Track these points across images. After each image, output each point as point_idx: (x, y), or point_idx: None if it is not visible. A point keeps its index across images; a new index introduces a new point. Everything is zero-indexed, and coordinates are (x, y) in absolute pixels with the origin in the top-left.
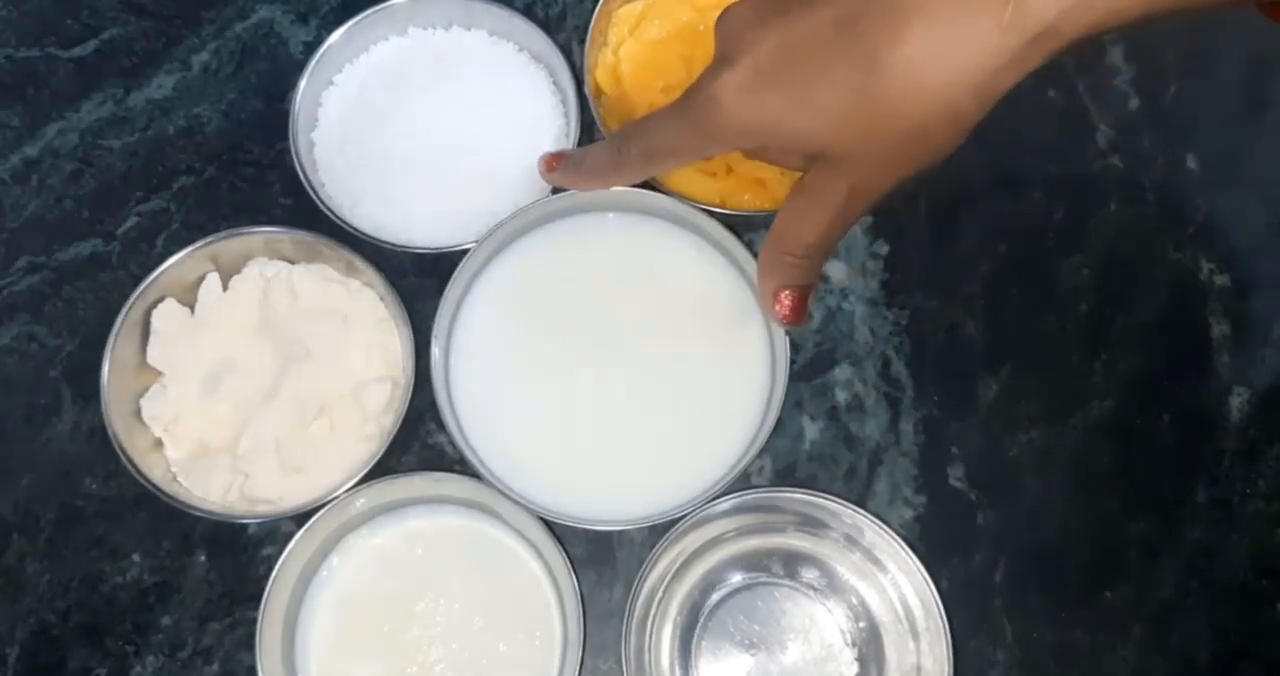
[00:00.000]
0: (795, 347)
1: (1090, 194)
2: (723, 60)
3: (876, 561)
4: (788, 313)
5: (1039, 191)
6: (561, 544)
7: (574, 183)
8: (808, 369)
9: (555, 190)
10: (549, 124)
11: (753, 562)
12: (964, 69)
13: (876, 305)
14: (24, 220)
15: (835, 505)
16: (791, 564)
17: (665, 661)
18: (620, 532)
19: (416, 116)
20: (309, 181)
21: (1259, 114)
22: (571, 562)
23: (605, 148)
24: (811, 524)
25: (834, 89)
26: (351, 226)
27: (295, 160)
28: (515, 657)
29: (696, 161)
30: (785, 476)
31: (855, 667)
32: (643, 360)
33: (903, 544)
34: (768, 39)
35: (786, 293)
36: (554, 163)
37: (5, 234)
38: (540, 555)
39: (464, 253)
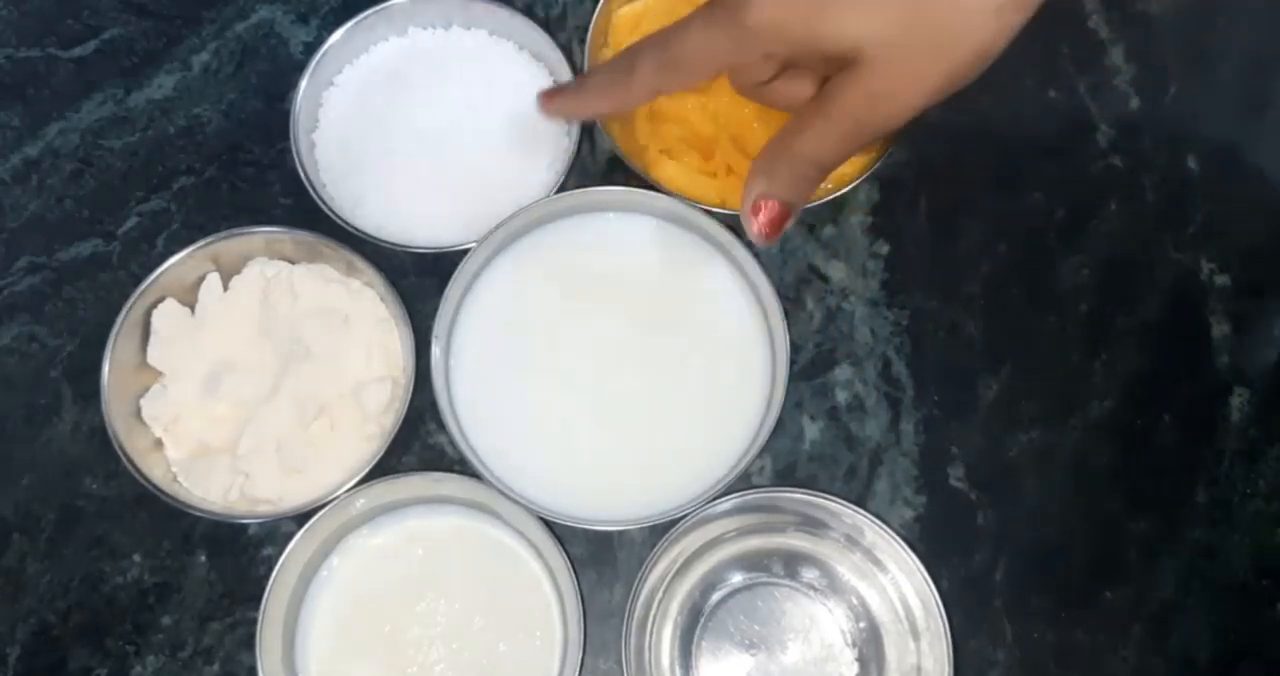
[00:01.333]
0: (795, 348)
1: (1090, 194)
2: None
3: (877, 561)
4: (765, 225)
5: (1039, 191)
6: (561, 544)
7: (576, 106)
8: (808, 369)
9: (565, 187)
10: (549, 124)
11: (753, 562)
12: None
13: (876, 305)
14: (24, 220)
15: (835, 505)
16: (792, 564)
17: (665, 661)
18: (620, 532)
19: (417, 116)
20: (310, 182)
21: (1259, 114)
22: (571, 562)
23: (612, 65)
24: (812, 524)
25: None
26: (353, 227)
27: (297, 160)
28: (515, 657)
29: (712, 77)
30: (785, 476)
31: (855, 668)
32: (643, 360)
33: (903, 544)
34: None
35: (770, 204)
36: (553, 93)
37: (5, 234)
38: (540, 555)
39: (464, 253)
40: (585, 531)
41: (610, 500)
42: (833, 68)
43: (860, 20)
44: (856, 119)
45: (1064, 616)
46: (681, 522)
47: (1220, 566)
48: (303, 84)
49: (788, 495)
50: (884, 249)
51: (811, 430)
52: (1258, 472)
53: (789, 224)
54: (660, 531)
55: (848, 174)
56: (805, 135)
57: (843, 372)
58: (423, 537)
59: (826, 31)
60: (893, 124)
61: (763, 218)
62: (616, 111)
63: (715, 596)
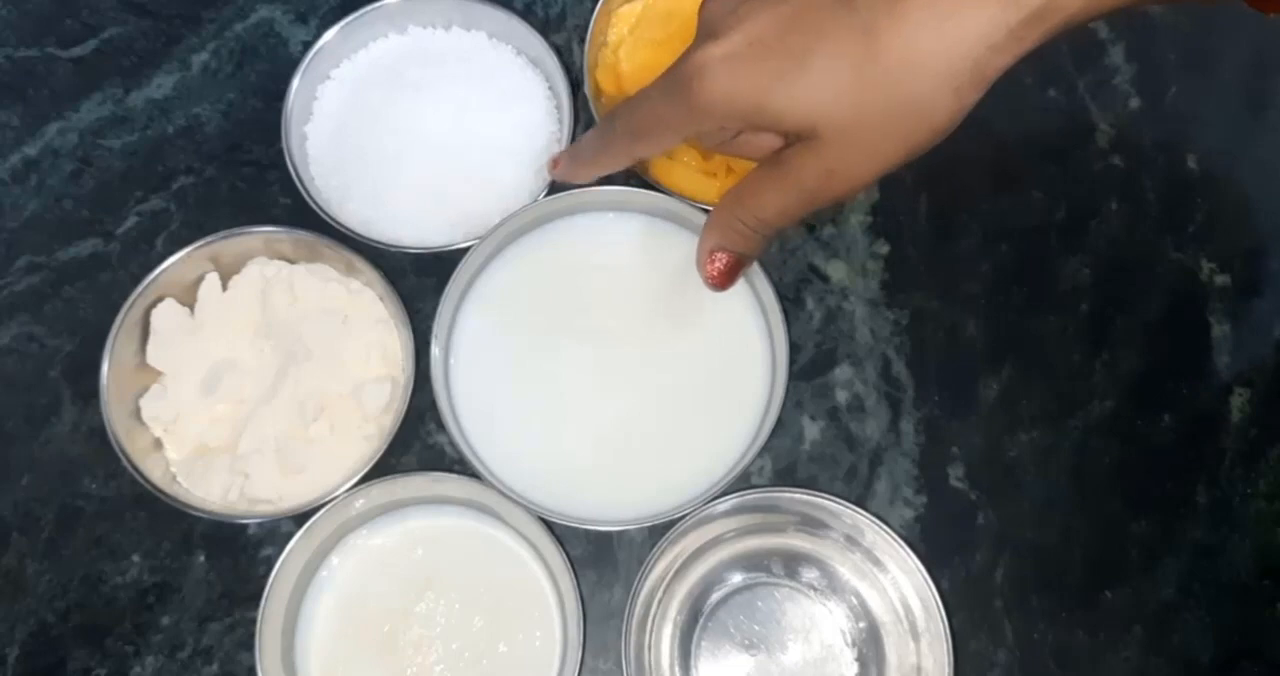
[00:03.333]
0: (795, 348)
1: (1090, 194)
2: (709, 34)
3: (877, 561)
4: (715, 275)
5: (1039, 191)
6: (561, 544)
7: (571, 172)
8: (808, 369)
9: (555, 190)
10: (543, 127)
11: (753, 562)
12: (963, 43)
13: (876, 305)
14: (24, 220)
15: (835, 505)
16: (791, 564)
17: (665, 661)
18: (620, 532)
19: (413, 114)
20: (299, 176)
21: (1259, 114)
22: (571, 562)
23: (596, 130)
24: (811, 524)
25: (829, 61)
26: (337, 222)
27: (286, 153)
28: (515, 657)
29: (681, 141)
30: (785, 476)
31: (855, 668)
32: (642, 360)
33: (903, 544)
34: (760, 13)
35: (721, 255)
36: (557, 159)
37: (5, 234)
38: (540, 555)
39: (464, 252)
40: (585, 531)
41: (610, 500)
42: (790, 136)
43: (813, 100)
44: (811, 189)
45: (1064, 616)
46: (681, 522)
47: (1221, 566)
48: (296, 80)
49: (788, 495)
50: (884, 249)
51: (811, 430)
52: (1258, 472)
53: (741, 273)
54: (660, 531)
55: None
56: (760, 197)
57: (843, 372)
58: (423, 537)
59: (777, 109)
60: (849, 195)
61: (714, 269)
62: (610, 172)
63: (715, 596)
